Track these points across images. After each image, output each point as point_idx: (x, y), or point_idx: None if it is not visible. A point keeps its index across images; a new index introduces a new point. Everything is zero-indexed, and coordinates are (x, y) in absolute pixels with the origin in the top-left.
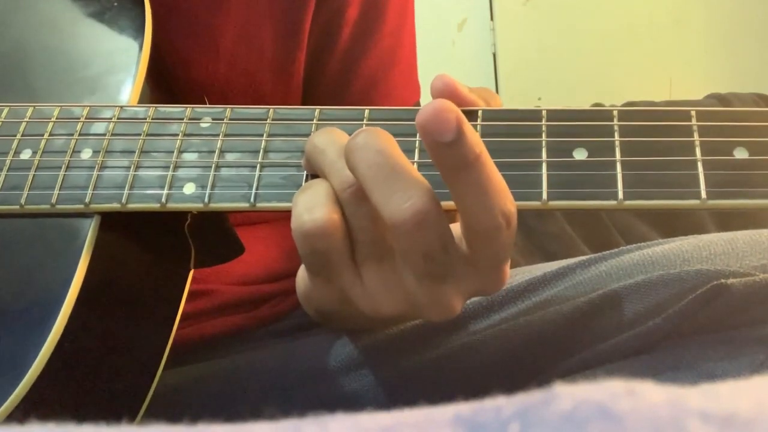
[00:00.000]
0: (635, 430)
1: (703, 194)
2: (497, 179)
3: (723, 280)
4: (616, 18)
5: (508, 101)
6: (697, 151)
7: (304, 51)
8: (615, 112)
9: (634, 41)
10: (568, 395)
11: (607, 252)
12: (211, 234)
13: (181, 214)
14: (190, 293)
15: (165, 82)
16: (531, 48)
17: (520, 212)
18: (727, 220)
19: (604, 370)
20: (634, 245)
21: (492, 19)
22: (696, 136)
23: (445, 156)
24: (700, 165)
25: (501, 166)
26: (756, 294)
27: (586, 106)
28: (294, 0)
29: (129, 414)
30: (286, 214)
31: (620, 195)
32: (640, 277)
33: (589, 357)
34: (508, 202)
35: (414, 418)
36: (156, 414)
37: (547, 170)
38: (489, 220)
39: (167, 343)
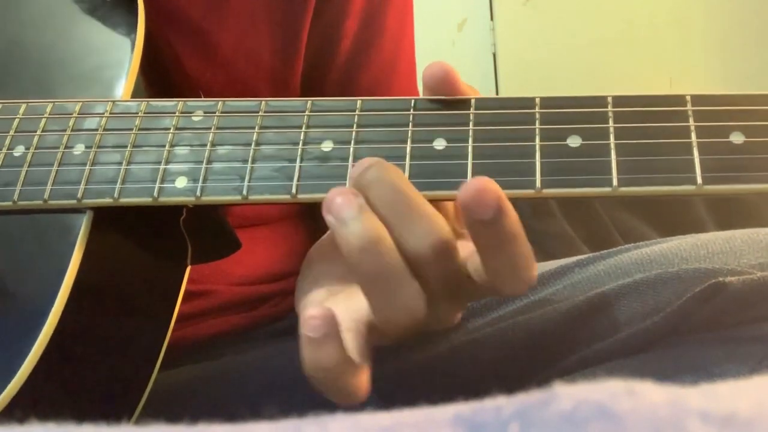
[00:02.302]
0: (635, 430)
1: (699, 179)
2: (529, 255)
3: (721, 279)
4: (616, 18)
5: None
6: (693, 135)
7: (301, 61)
8: (609, 99)
9: (634, 41)
10: (568, 395)
11: (605, 251)
12: (207, 229)
13: (176, 209)
14: (190, 293)
15: (163, 88)
16: (531, 48)
17: (520, 211)
18: (727, 220)
19: (603, 369)
20: (633, 244)
21: (492, 19)
22: (691, 121)
23: (484, 233)
24: (695, 150)
25: (494, 155)
26: (754, 292)
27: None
28: (292, 10)
29: (126, 411)
30: (284, 216)
31: (615, 182)
32: (639, 276)
33: (588, 356)
34: (533, 273)
35: (414, 418)
36: (156, 414)
37: (541, 158)
38: (514, 289)
39: (164, 339)
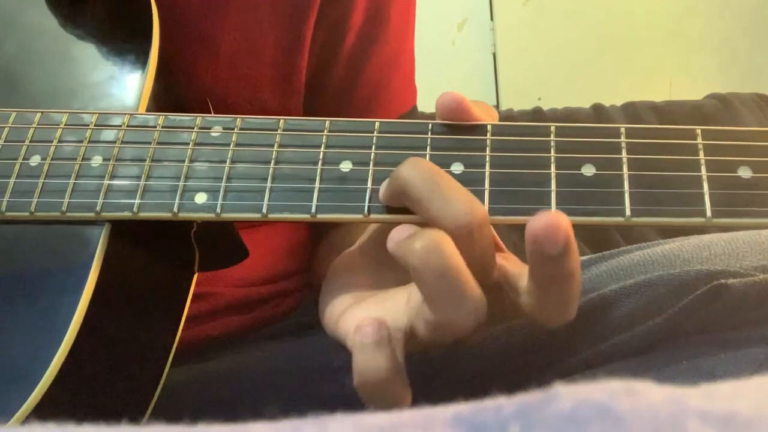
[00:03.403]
0: (635, 430)
1: (708, 212)
2: (578, 291)
3: (723, 281)
4: (616, 18)
5: (508, 101)
6: (703, 169)
7: (305, 58)
8: (622, 129)
9: (634, 41)
10: (568, 395)
11: (607, 252)
12: (217, 240)
13: (189, 222)
14: (191, 295)
15: (170, 87)
16: (531, 48)
17: None
18: None
19: (605, 370)
20: (634, 245)
21: (492, 19)
22: (701, 155)
23: (545, 266)
24: (705, 184)
25: (510, 181)
26: (756, 294)
27: (587, 107)
28: (296, 6)
29: (135, 416)
30: None
31: (628, 212)
32: (640, 278)
33: (589, 357)
34: (574, 310)
35: (414, 418)
36: (156, 414)
37: (556, 186)
38: (551, 320)
39: (173, 345)
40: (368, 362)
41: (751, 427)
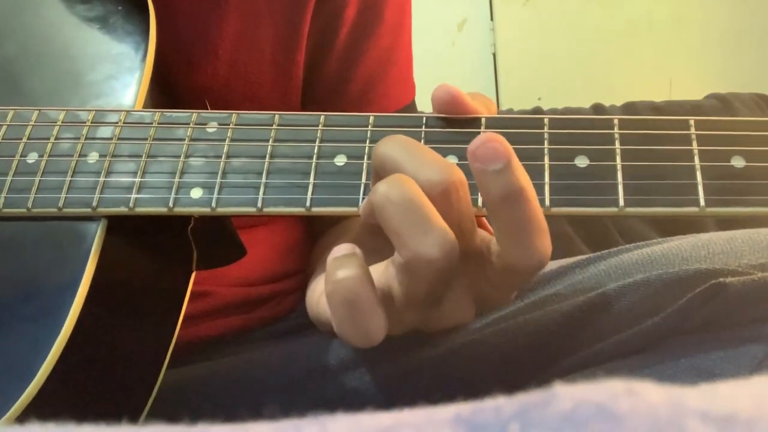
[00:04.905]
0: (635, 430)
1: (702, 201)
2: (539, 220)
3: (722, 279)
4: (616, 18)
5: (508, 101)
6: (696, 159)
7: (303, 53)
8: (615, 121)
9: (634, 41)
10: (568, 395)
11: (606, 251)
12: (214, 237)
13: (185, 217)
14: (189, 295)
15: (167, 85)
16: (531, 48)
17: None
18: (727, 219)
19: (604, 369)
20: (633, 245)
21: (492, 19)
22: (694, 145)
23: (492, 184)
24: (698, 173)
25: None
26: (754, 293)
27: (587, 107)
28: (293, 2)
29: (132, 415)
30: (283, 217)
31: (621, 202)
32: (639, 276)
33: (588, 356)
34: (546, 243)
35: (414, 418)
36: (156, 414)
37: (550, 178)
38: (525, 259)
39: (170, 343)
40: (339, 269)
41: (751, 427)
